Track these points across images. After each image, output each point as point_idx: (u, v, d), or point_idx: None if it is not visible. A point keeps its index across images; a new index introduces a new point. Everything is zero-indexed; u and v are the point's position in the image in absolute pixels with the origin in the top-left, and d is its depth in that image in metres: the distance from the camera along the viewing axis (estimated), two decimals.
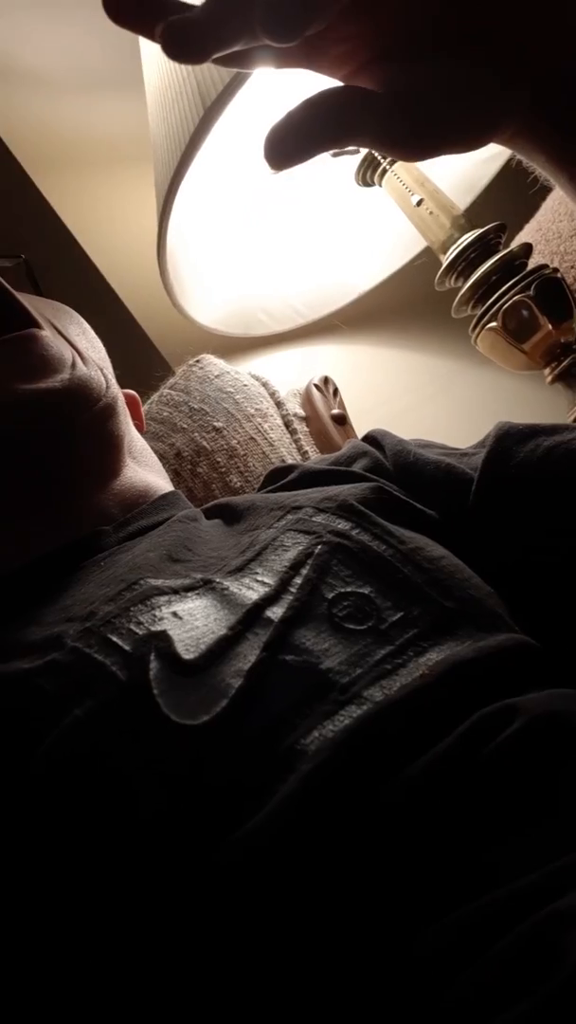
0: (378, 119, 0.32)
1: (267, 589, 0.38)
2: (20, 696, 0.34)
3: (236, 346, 0.95)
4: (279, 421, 0.83)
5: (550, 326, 0.68)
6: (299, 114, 0.30)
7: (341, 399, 0.88)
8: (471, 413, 0.93)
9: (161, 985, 0.28)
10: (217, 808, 0.30)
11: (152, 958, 0.28)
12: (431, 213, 0.73)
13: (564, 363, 0.70)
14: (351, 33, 0.33)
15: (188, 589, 0.39)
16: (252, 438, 0.80)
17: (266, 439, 0.80)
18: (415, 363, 1.00)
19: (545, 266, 0.70)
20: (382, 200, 0.79)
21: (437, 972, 0.26)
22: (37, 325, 0.50)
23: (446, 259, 0.72)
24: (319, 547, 0.40)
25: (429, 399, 0.97)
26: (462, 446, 0.54)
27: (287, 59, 0.33)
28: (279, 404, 0.85)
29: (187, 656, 0.34)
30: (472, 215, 0.75)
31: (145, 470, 0.58)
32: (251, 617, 0.36)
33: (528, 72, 0.33)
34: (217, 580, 0.39)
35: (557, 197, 0.83)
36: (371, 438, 0.56)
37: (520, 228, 0.86)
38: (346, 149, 0.76)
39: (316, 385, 0.87)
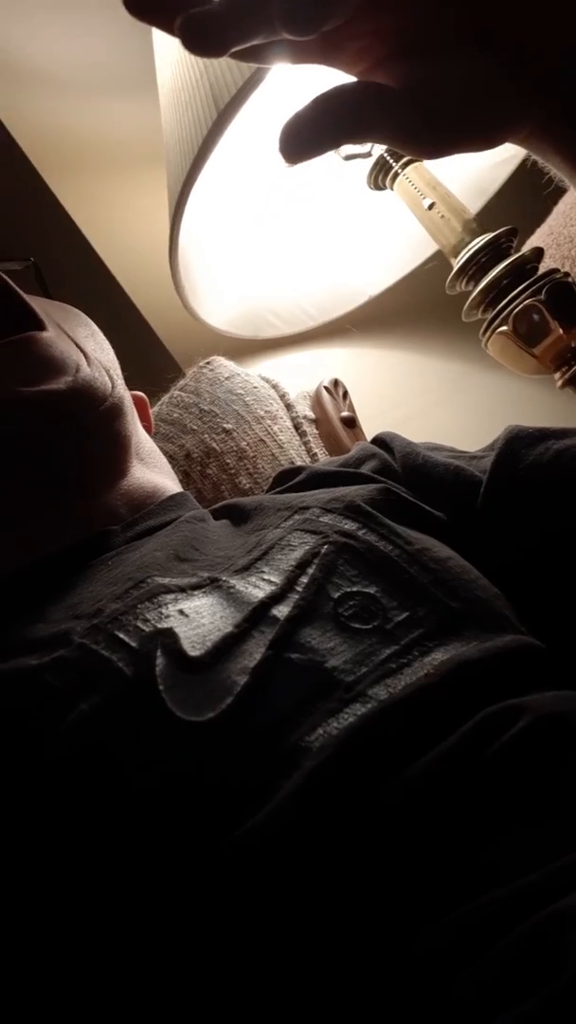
0: (393, 115, 0.32)
1: (273, 588, 0.38)
2: (28, 691, 0.34)
3: (246, 348, 0.95)
4: (289, 423, 0.84)
5: (561, 330, 0.68)
6: (314, 108, 0.30)
7: (351, 402, 0.88)
8: (481, 417, 0.93)
9: (162, 980, 0.28)
10: (221, 804, 0.30)
11: (153, 953, 0.29)
12: (442, 217, 0.73)
13: (575, 367, 0.70)
14: (368, 29, 0.33)
15: (195, 587, 0.39)
16: (262, 440, 0.80)
17: (275, 441, 0.80)
18: (425, 366, 1.00)
19: (556, 270, 0.70)
20: (393, 203, 0.79)
21: (438, 971, 0.26)
22: (40, 327, 0.50)
23: (457, 263, 0.72)
24: (325, 547, 0.40)
25: (439, 403, 0.97)
26: (472, 450, 0.54)
27: (304, 54, 0.33)
28: (289, 406, 0.85)
29: (193, 653, 0.34)
30: (484, 219, 0.75)
31: (153, 471, 0.58)
32: (257, 615, 0.36)
33: (544, 71, 0.33)
34: (224, 579, 0.39)
35: (569, 201, 0.83)
36: (380, 440, 0.56)
37: (532, 232, 0.86)
38: (358, 152, 0.76)
39: (326, 387, 0.87)
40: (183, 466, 0.80)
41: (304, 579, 0.38)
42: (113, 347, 0.59)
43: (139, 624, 0.36)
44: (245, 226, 0.83)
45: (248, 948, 0.28)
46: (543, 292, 0.68)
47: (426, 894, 0.28)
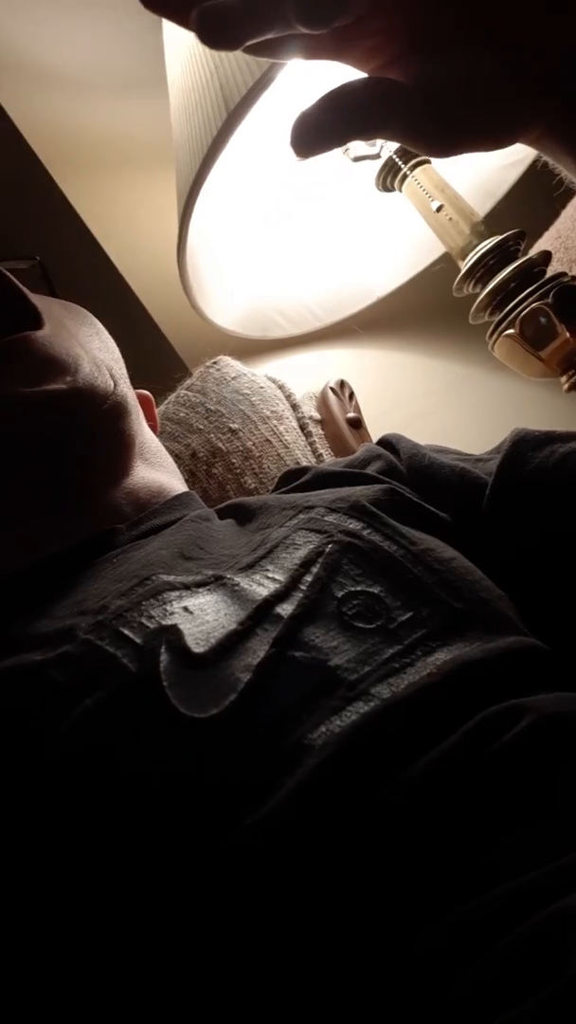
0: (405, 112, 0.32)
1: (277, 586, 0.38)
2: (33, 687, 0.34)
3: (253, 348, 0.95)
4: (294, 424, 0.84)
5: (568, 334, 0.68)
6: (326, 103, 0.31)
7: (357, 403, 0.88)
8: (487, 419, 0.93)
9: (162, 978, 0.28)
10: (223, 800, 0.30)
11: (154, 951, 0.29)
12: (450, 219, 0.73)
13: None
14: (379, 27, 0.33)
15: (199, 585, 0.39)
16: (267, 440, 0.80)
17: (281, 441, 0.80)
18: (431, 368, 1.00)
19: (564, 274, 0.70)
20: (401, 205, 0.80)
21: (438, 971, 0.26)
22: (38, 326, 0.50)
23: (465, 265, 0.72)
24: (330, 546, 0.40)
25: (445, 404, 0.97)
26: (477, 452, 0.54)
27: (317, 51, 0.33)
28: (295, 407, 0.85)
29: (197, 650, 0.34)
30: (491, 222, 0.75)
31: (159, 470, 0.58)
32: (261, 613, 0.36)
33: (557, 72, 0.33)
34: (228, 576, 0.39)
35: None
36: (386, 442, 0.56)
37: (539, 235, 0.86)
38: (367, 154, 0.76)
39: (332, 388, 0.87)
40: (189, 465, 0.80)
41: (308, 578, 0.38)
42: (121, 346, 0.59)
43: (144, 621, 0.36)
44: (253, 226, 0.83)
45: (248, 945, 0.28)
46: (550, 295, 0.68)
47: (426, 893, 0.28)
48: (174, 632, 0.35)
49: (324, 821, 0.29)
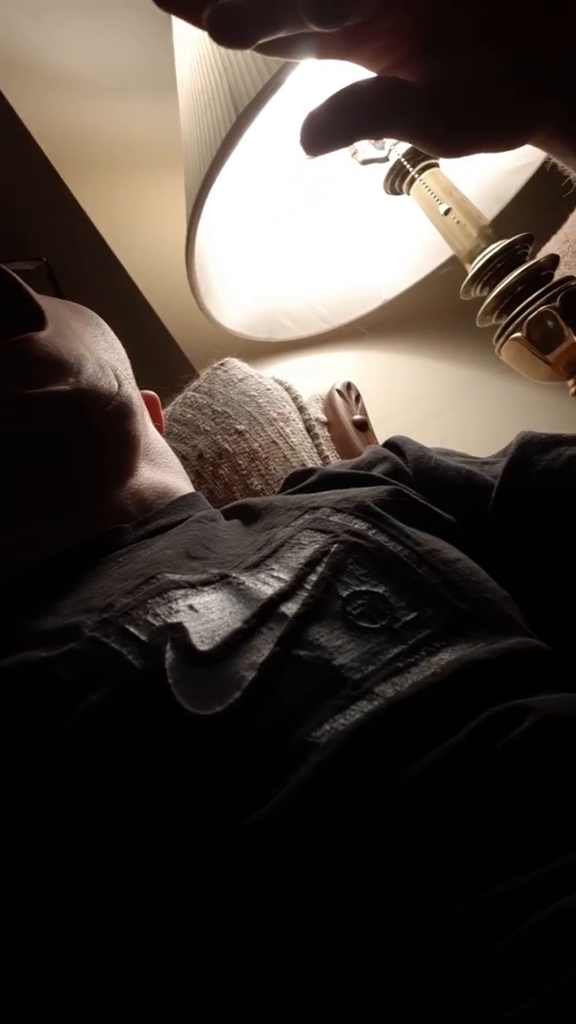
0: (414, 111, 0.32)
1: (282, 585, 0.38)
2: (39, 683, 0.35)
3: (260, 350, 0.95)
4: (301, 426, 0.84)
5: (575, 338, 0.68)
6: (335, 102, 0.31)
7: (363, 405, 0.88)
8: (493, 423, 0.93)
9: (163, 973, 0.28)
10: (227, 797, 0.30)
11: (155, 946, 0.29)
12: (458, 222, 0.73)
13: None
14: (392, 26, 0.33)
15: (205, 583, 0.39)
16: (274, 442, 0.80)
17: (287, 443, 0.81)
18: (438, 371, 1.01)
19: (571, 277, 0.70)
20: (408, 208, 0.80)
21: (438, 969, 0.26)
22: (40, 327, 0.50)
23: (472, 268, 0.72)
24: (335, 546, 0.40)
25: (451, 408, 0.97)
26: (484, 455, 0.54)
27: (328, 50, 0.34)
28: (301, 409, 0.85)
29: (202, 647, 0.35)
30: (499, 225, 0.75)
31: (164, 471, 0.58)
32: (266, 612, 0.36)
33: (558, 73, 0.33)
34: (233, 575, 0.39)
35: None
36: (392, 444, 0.56)
37: (547, 239, 0.86)
38: (376, 157, 0.76)
39: (339, 391, 0.88)
40: (195, 466, 0.80)
41: (313, 577, 0.38)
42: (128, 347, 0.59)
43: (149, 619, 0.36)
44: (261, 228, 0.83)
45: (249, 942, 0.28)
46: (558, 299, 0.68)
47: (427, 892, 0.28)
48: (179, 630, 0.35)
49: (327, 818, 0.29)
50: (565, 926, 0.24)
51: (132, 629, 0.36)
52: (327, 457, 0.81)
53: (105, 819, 0.31)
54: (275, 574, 0.39)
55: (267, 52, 0.31)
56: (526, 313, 0.69)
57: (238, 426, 0.81)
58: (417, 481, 0.51)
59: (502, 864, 0.28)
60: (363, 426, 0.85)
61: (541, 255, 0.72)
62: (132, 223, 0.99)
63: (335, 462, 0.79)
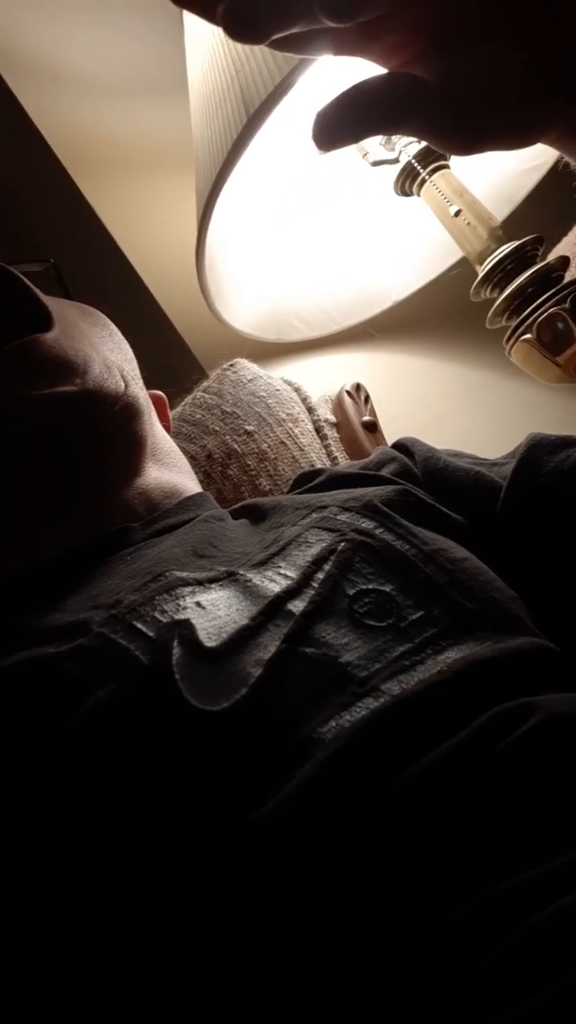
0: (427, 108, 0.32)
1: (289, 582, 0.38)
2: (47, 679, 0.35)
3: (270, 351, 0.96)
4: (310, 427, 0.84)
5: None
6: (349, 97, 0.31)
7: (372, 406, 0.88)
8: (503, 424, 0.93)
9: (164, 967, 0.28)
10: (233, 792, 0.30)
11: (157, 940, 0.29)
12: (469, 224, 0.73)
13: None
14: (405, 22, 0.33)
15: (212, 581, 0.39)
16: (283, 442, 0.80)
17: (296, 444, 0.81)
18: (448, 373, 1.01)
19: None
20: (419, 209, 0.80)
21: (438, 968, 0.26)
22: (46, 328, 0.50)
23: (482, 270, 0.72)
24: (342, 544, 0.40)
25: (461, 409, 0.97)
26: (493, 456, 0.54)
27: (342, 46, 0.34)
28: (310, 410, 0.85)
29: (209, 644, 0.35)
30: (510, 227, 0.75)
31: (172, 471, 0.58)
32: (273, 609, 0.37)
33: (559, 73, 0.33)
34: (241, 573, 0.40)
35: None
36: (401, 445, 0.56)
37: (558, 241, 0.86)
38: (386, 158, 0.76)
39: (348, 392, 0.88)
40: (204, 467, 0.80)
41: (320, 575, 0.38)
42: (138, 348, 0.59)
43: (156, 615, 0.36)
44: (271, 229, 0.84)
45: (251, 936, 0.28)
46: (568, 301, 0.68)
47: (427, 890, 0.28)
48: (186, 626, 0.36)
49: (332, 814, 0.29)
50: (565, 926, 0.24)
51: (140, 625, 0.36)
52: (336, 458, 0.81)
53: (111, 814, 0.31)
54: (282, 572, 0.39)
55: (280, 48, 0.31)
56: (536, 315, 0.69)
57: (247, 427, 0.81)
58: (426, 482, 0.51)
59: (502, 863, 0.28)
60: (372, 427, 0.85)
61: (552, 257, 0.72)
62: (142, 224, 1.00)
63: (344, 463, 0.79)
